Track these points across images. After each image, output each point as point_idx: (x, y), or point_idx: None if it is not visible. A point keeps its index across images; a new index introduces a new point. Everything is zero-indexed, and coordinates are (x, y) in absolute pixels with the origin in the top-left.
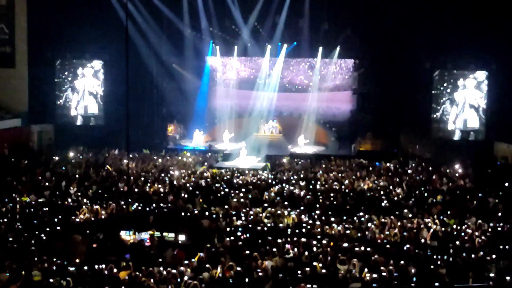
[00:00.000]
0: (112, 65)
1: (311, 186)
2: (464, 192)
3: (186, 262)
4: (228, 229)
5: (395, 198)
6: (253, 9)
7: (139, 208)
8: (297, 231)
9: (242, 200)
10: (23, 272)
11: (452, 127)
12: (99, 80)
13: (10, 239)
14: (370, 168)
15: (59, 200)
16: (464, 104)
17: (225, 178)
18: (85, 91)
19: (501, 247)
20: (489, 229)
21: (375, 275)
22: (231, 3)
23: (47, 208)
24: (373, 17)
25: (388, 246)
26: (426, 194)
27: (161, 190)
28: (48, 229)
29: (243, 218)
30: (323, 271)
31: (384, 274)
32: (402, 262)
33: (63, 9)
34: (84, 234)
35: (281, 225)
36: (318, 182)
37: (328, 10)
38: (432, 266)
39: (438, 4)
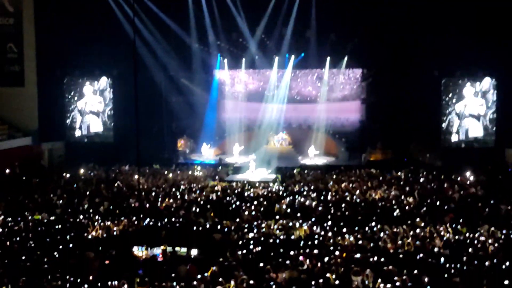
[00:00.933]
0: (120, 81)
1: (322, 197)
2: (476, 200)
3: (199, 276)
4: (240, 242)
5: (407, 208)
6: (260, 21)
7: (151, 223)
8: (309, 242)
9: (253, 213)
10: None
11: (459, 135)
12: (105, 97)
13: (23, 257)
14: (381, 178)
15: (71, 218)
16: (470, 111)
17: (236, 191)
18: (88, 110)
19: None
20: (502, 236)
21: (388, 285)
22: (238, 16)
23: (59, 226)
24: (380, 26)
25: (401, 255)
26: (438, 203)
27: (173, 204)
28: (60, 246)
29: (255, 231)
30: (337, 282)
31: (397, 284)
32: (415, 271)
33: (71, 27)
34: (97, 251)
35: (293, 237)
36: (329, 193)
37: (335, 21)
38: (445, 275)
39: (446, 12)
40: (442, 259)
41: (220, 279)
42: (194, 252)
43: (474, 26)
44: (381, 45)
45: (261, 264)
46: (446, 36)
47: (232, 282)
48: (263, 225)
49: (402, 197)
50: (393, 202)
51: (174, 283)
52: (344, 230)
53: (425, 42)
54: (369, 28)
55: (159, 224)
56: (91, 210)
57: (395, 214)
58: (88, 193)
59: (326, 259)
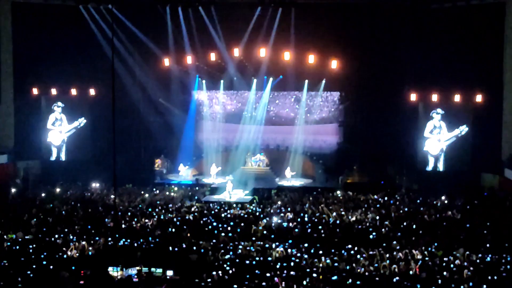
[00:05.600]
0: (98, 100)
1: (299, 219)
2: (452, 223)
3: None
4: (216, 263)
5: (383, 230)
6: (239, 43)
7: (127, 243)
8: (285, 264)
9: (230, 234)
10: None
11: (435, 159)
12: (83, 116)
13: None
14: (358, 201)
15: (46, 237)
16: (448, 135)
17: (212, 212)
18: (64, 129)
19: (489, 277)
20: (477, 260)
21: None
22: (217, 38)
23: (34, 245)
24: (358, 50)
25: (377, 278)
26: (414, 226)
27: (149, 224)
28: (35, 266)
29: (232, 252)
30: None
31: None
32: None
33: (49, 46)
34: (72, 271)
35: (269, 258)
36: (306, 215)
37: (313, 44)
38: None
39: (423, 37)
40: (418, 283)
41: None
42: (169, 272)
43: (452, 50)
44: (359, 69)
45: (237, 286)
46: (424, 60)
47: None
48: (240, 246)
49: (379, 219)
50: (370, 224)
51: None
52: (321, 252)
53: (402, 65)
54: (347, 51)
55: (134, 244)
56: (66, 230)
57: (371, 236)
58: (63, 212)
59: (302, 281)
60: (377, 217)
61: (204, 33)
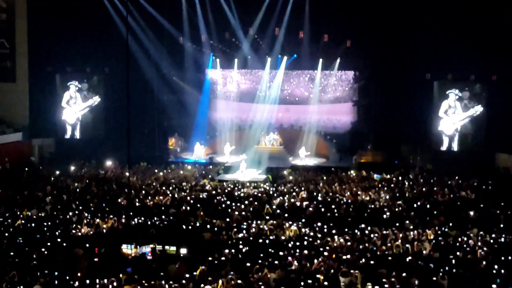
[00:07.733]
0: (113, 79)
1: (312, 198)
2: (465, 203)
3: (187, 275)
4: (229, 241)
5: (397, 210)
6: (253, 21)
7: (140, 221)
8: (298, 243)
9: (243, 212)
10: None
11: (449, 139)
12: (98, 94)
13: (12, 253)
14: (372, 180)
15: (60, 214)
16: (461, 115)
17: (226, 190)
18: (79, 107)
19: (503, 258)
20: (491, 240)
21: (377, 287)
22: (231, 16)
23: (48, 222)
24: (372, 29)
25: (390, 258)
26: (427, 206)
27: (162, 203)
28: (49, 243)
29: (245, 230)
30: (325, 283)
31: (386, 286)
32: (404, 274)
33: (64, 24)
34: (86, 248)
35: (283, 237)
36: (320, 194)
37: (328, 22)
38: (434, 278)
39: (438, 16)
40: (431, 262)
41: (209, 278)
42: (183, 250)
43: (466, 30)
44: (374, 48)
45: (250, 264)
46: (439, 39)
47: (220, 281)
48: (253, 225)
49: (391, 198)
50: (383, 204)
51: (163, 282)
52: (334, 231)
53: (417, 44)
54: (361, 30)
55: (148, 222)
56: (80, 207)
57: (384, 216)
58: (77, 190)
59: (315, 260)
60: (390, 197)
61: (219, 11)
